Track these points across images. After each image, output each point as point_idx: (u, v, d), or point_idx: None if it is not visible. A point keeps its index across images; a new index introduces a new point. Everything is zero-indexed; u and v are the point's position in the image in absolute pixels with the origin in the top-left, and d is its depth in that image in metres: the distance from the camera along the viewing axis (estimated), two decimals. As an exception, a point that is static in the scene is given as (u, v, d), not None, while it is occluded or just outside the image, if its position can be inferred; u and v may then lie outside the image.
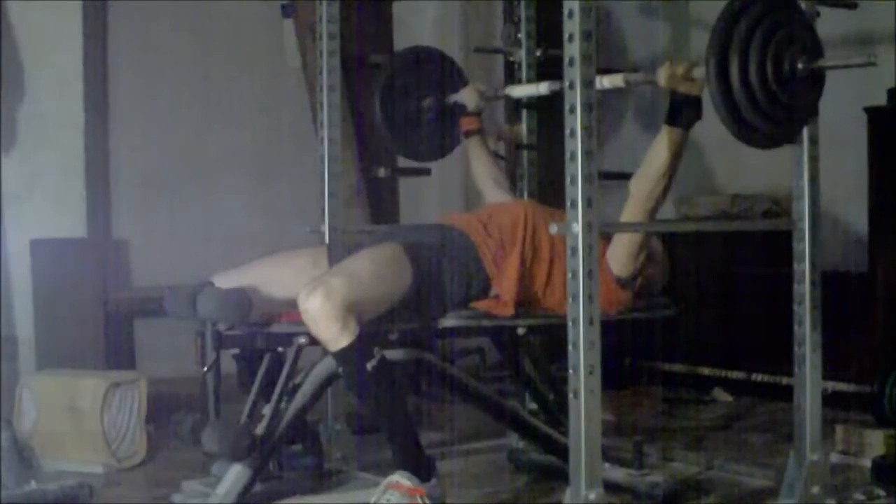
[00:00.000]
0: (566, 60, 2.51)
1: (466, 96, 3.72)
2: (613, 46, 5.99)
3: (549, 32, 3.53)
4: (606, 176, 3.05)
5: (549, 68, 3.39)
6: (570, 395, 2.52)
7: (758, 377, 4.89)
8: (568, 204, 2.52)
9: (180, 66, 5.63)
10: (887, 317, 4.39)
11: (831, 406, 3.56)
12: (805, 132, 2.89)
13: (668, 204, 3.74)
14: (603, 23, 5.73)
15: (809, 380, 2.90)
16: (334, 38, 3.65)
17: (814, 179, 2.92)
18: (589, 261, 2.50)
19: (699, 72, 2.89)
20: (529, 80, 3.92)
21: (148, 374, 4.02)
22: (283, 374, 2.98)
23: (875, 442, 3.62)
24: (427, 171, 4.39)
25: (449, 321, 3.12)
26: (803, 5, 2.84)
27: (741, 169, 5.37)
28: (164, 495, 3.29)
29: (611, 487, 2.89)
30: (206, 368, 2.97)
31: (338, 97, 3.68)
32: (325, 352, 2.94)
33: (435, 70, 3.77)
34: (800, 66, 2.73)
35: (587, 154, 2.50)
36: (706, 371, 5.11)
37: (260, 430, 2.93)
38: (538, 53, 3.95)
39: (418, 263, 3.07)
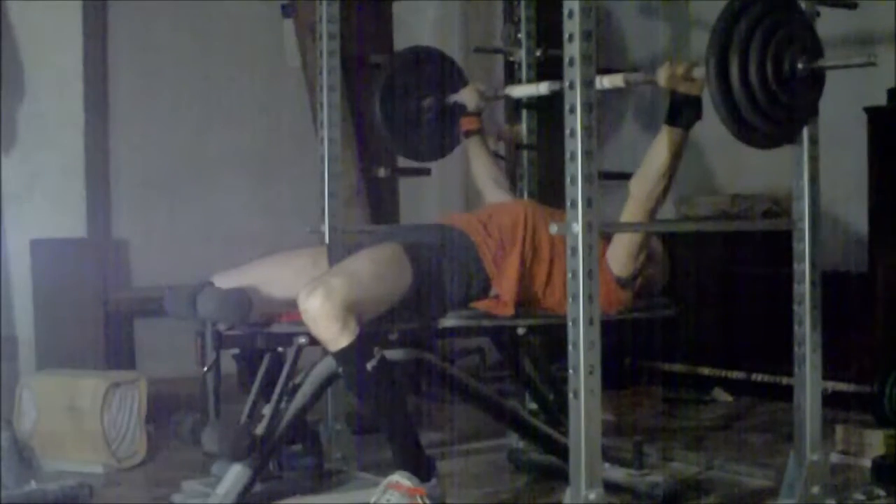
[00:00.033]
0: (566, 60, 2.51)
1: (466, 96, 3.72)
2: (613, 46, 5.99)
3: (549, 32, 3.53)
4: (606, 176, 3.04)
5: (549, 68, 3.39)
6: (570, 395, 2.52)
7: (758, 377, 4.89)
8: (568, 204, 2.52)
9: (180, 66, 5.63)
10: (887, 317, 4.39)
11: (831, 406, 3.55)
12: (805, 132, 2.89)
13: (668, 204, 3.75)
14: (603, 23, 5.72)
15: (809, 380, 2.90)
16: (334, 38, 3.65)
17: (814, 179, 2.92)
18: (589, 261, 2.50)
19: (699, 72, 2.88)
20: (529, 80, 3.91)
21: (148, 374, 4.02)
22: (283, 374, 2.98)
23: (875, 442, 3.62)
24: (427, 171, 4.39)
25: (449, 321, 3.11)
26: (803, 5, 2.84)
27: (741, 169, 5.36)
28: (164, 495, 3.29)
29: (611, 487, 2.88)
30: (206, 368, 2.97)
31: (338, 97, 3.68)
32: (325, 352, 2.94)
33: (435, 70, 3.77)
34: (800, 66, 2.73)
35: (587, 154, 2.50)
36: (706, 371, 5.10)
37: (260, 430, 2.92)
38: (538, 53, 3.95)
39: (418, 263, 3.07)
